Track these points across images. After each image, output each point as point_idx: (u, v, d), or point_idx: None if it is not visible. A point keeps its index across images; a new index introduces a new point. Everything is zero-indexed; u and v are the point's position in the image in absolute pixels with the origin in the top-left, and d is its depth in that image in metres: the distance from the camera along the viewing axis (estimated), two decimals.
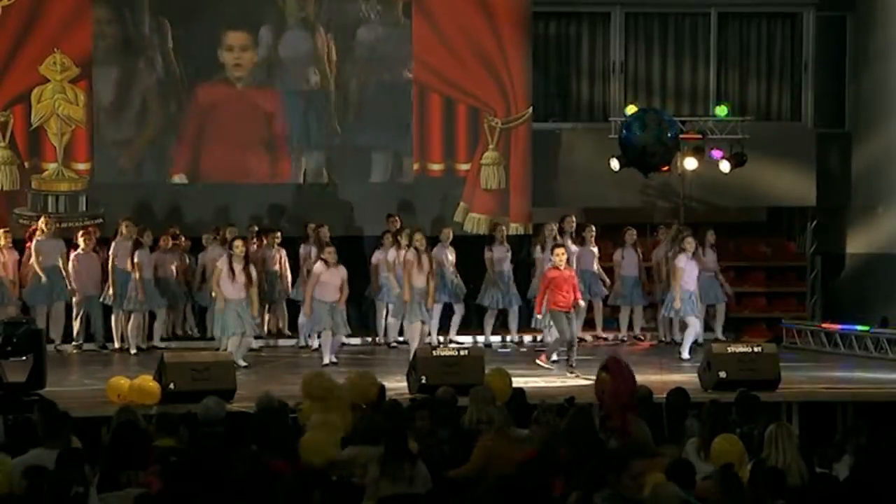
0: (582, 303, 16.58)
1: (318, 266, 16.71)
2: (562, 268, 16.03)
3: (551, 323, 16.36)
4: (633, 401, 10.02)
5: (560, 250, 16.25)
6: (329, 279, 16.63)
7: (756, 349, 14.78)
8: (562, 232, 18.64)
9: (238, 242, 16.70)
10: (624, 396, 9.90)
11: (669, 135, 18.81)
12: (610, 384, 10.03)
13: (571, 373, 15.61)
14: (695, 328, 17.50)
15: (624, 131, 18.92)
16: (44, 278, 17.68)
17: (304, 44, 19.72)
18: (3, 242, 17.81)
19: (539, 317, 16.80)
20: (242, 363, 16.11)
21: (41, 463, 8.15)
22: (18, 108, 18.95)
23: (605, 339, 19.36)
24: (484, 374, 13.34)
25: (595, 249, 19.04)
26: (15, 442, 9.46)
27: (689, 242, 17.59)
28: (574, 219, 18.98)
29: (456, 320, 18.87)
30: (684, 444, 9.76)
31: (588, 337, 19.09)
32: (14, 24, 18.89)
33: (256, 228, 18.67)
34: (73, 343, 18.04)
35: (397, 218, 18.79)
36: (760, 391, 12.23)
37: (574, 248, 18.45)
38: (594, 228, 19.11)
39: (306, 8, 19.70)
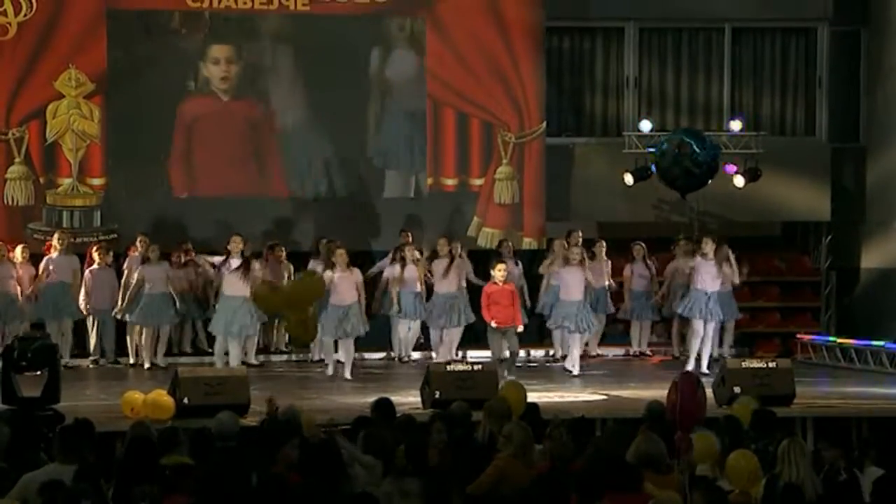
0: (520, 327, 16.43)
1: (327, 273, 16.78)
2: (500, 283, 16.16)
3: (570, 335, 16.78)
4: (689, 423, 9.73)
5: (501, 266, 16.38)
6: (341, 283, 16.72)
7: (771, 364, 14.76)
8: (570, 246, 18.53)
9: (235, 239, 17.02)
10: (682, 414, 9.64)
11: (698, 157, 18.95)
12: (671, 397, 9.86)
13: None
14: (698, 336, 17.34)
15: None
16: (44, 295, 17.66)
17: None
18: (20, 258, 17.84)
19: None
20: (254, 361, 17.01)
21: (57, 478, 8.14)
22: (34, 124, 19.02)
23: (604, 356, 19.28)
24: (497, 388, 13.33)
25: (607, 264, 18.99)
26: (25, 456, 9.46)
27: (706, 243, 17.53)
28: (580, 234, 18.82)
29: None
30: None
31: (593, 352, 19.09)
32: (29, 40, 18.96)
33: (271, 244, 18.72)
34: (90, 358, 18.06)
35: (408, 233, 18.79)
36: (775, 406, 12.20)
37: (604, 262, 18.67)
38: (605, 243, 19.04)
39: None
